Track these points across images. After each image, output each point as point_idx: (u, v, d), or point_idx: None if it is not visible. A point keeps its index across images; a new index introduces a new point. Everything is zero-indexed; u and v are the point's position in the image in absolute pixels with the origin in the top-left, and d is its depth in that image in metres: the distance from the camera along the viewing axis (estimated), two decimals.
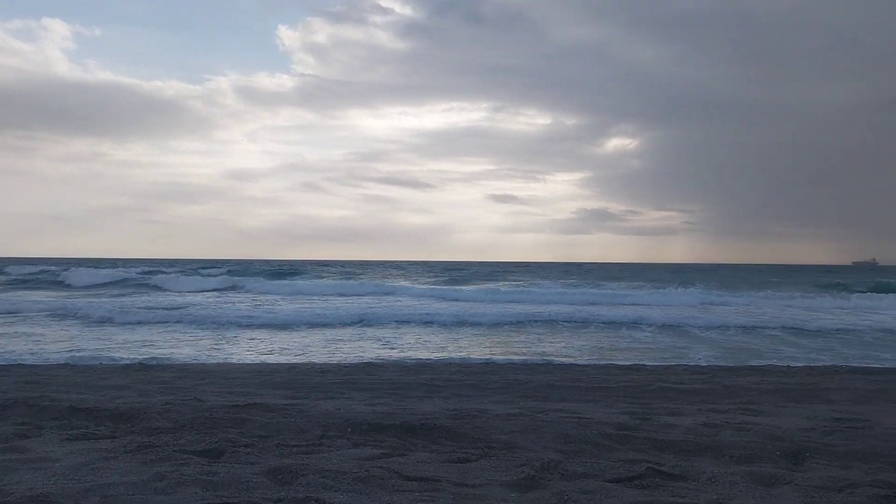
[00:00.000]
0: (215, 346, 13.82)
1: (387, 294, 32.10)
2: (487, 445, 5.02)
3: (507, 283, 46.47)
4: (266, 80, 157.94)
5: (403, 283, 42.84)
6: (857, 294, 30.25)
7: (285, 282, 39.74)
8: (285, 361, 11.82)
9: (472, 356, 12.50)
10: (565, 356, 12.74)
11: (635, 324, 18.46)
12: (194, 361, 11.64)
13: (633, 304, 25.07)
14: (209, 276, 44.68)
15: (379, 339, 15.16)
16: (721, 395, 7.78)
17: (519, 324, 18.54)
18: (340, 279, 45.68)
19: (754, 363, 11.77)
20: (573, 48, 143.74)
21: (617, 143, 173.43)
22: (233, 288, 36.51)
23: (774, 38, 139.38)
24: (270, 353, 13.10)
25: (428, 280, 50.13)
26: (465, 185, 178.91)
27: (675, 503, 3.73)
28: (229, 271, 52.25)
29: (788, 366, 11.28)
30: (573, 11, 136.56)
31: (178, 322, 17.99)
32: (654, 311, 21.36)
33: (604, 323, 18.76)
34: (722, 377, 9.37)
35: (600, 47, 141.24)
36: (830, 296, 30.02)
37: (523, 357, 12.52)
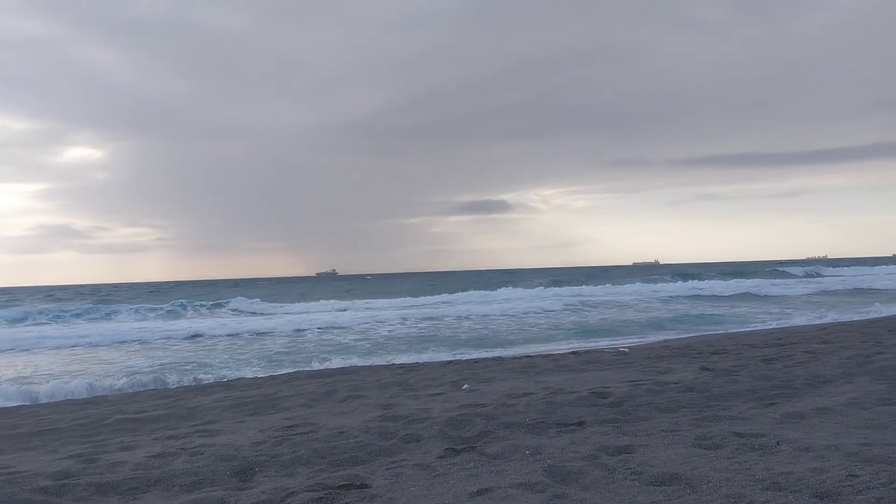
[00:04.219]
0: None
1: None
2: None
3: None
4: None
5: None
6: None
7: None
8: None
9: None
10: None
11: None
12: None
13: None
14: None
15: None
16: (182, 418, 7.56)
17: None
18: None
19: (225, 378, 11.86)
20: (17, 42, 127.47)
21: (78, 152, 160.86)
22: None
23: (233, 57, 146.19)
24: None
25: None
26: None
27: None
28: None
29: (255, 377, 11.68)
30: (14, 1, 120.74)
31: None
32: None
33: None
34: (187, 398, 9.15)
35: (50, 45, 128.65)
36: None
37: None
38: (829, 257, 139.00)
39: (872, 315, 20.20)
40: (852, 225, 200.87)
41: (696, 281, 47.27)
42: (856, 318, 19.61)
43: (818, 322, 18.89)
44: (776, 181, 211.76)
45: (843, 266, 72.96)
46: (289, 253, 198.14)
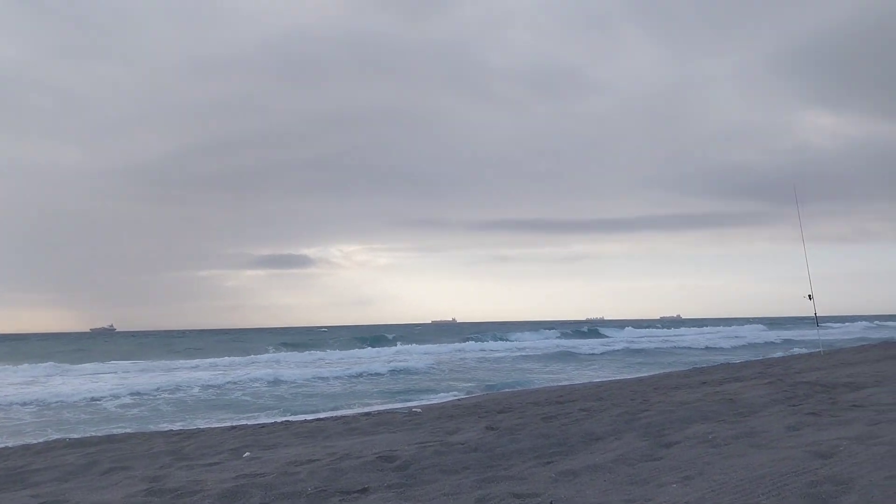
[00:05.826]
0: None
1: None
2: None
3: None
4: None
5: None
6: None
7: None
8: None
9: None
10: None
11: None
12: None
13: None
14: None
15: None
16: None
17: None
18: None
19: None
20: None
21: None
22: None
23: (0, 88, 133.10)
24: None
25: None
26: None
27: None
28: None
29: (4, 447, 10.27)
30: None
31: None
32: None
33: None
34: None
35: None
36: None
37: None
38: (605, 318, 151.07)
39: (643, 373, 22.01)
40: (625, 289, 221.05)
41: (501, 342, 49.57)
42: (628, 376, 21.24)
43: (596, 380, 20.21)
44: (561, 246, 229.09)
45: (616, 327, 79.65)
46: (60, 306, 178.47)
